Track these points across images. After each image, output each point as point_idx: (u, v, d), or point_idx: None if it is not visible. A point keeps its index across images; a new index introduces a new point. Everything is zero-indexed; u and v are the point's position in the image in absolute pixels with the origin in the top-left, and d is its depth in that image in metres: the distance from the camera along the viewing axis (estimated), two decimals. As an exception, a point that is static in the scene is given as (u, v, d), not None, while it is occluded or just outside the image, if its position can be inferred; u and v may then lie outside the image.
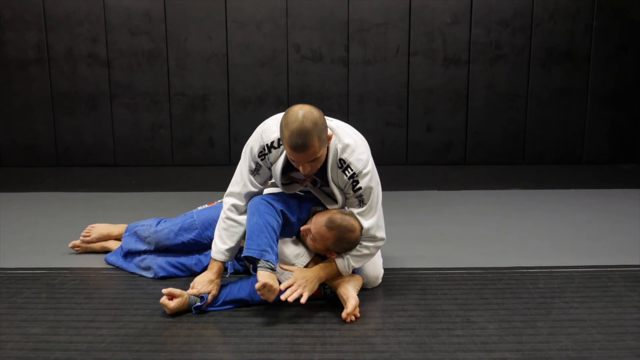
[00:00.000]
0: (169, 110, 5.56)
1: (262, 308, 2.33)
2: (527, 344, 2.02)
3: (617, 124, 5.65)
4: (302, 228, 2.38)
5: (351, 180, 2.29)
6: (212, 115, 5.58)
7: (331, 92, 5.54)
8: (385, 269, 2.63)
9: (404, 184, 4.84)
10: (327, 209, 2.42)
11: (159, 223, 2.76)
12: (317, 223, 2.31)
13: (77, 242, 3.00)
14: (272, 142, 2.32)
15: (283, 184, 2.42)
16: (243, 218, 2.39)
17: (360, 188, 2.30)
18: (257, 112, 5.48)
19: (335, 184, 2.33)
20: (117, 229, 2.99)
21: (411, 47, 5.48)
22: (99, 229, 3.00)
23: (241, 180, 2.41)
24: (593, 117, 5.63)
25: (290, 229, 2.41)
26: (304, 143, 2.09)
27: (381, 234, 2.39)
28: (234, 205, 2.41)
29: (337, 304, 2.32)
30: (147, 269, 2.70)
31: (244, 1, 5.39)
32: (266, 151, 2.33)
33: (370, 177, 2.31)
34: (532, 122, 5.63)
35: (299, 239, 2.45)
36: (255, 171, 2.39)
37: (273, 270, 2.21)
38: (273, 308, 2.32)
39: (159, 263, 2.67)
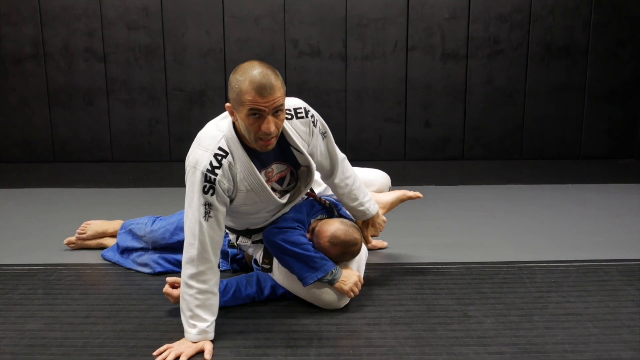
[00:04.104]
0: (166, 105, 5.55)
1: (258, 303, 2.32)
2: (523, 338, 2.02)
3: (615, 119, 5.64)
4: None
5: (308, 117, 2.13)
6: (209, 110, 5.56)
7: (329, 88, 5.52)
8: (382, 264, 2.63)
9: (401, 179, 4.82)
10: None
11: (154, 222, 2.73)
12: (320, 235, 2.23)
13: (72, 238, 2.98)
14: (211, 163, 1.92)
15: (273, 189, 2.14)
16: (216, 282, 2.01)
17: (317, 120, 2.18)
18: (254, 107, 5.44)
19: (296, 147, 2.09)
20: (113, 225, 2.96)
21: (409, 42, 5.47)
22: (94, 226, 2.97)
23: (194, 239, 1.93)
24: (591, 113, 5.62)
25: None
26: (271, 84, 1.83)
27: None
28: (199, 274, 1.94)
29: (334, 299, 2.31)
30: (144, 265, 2.69)
31: (241, -4, 5.38)
32: (211, 179, 1.92)
33: (309, 107, 2.17)
34: (530, 117, 5.62)
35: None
36: (207, 214, 1.93)
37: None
38: (269, 303, 2.32)
39: (155, 259, 2.66)
